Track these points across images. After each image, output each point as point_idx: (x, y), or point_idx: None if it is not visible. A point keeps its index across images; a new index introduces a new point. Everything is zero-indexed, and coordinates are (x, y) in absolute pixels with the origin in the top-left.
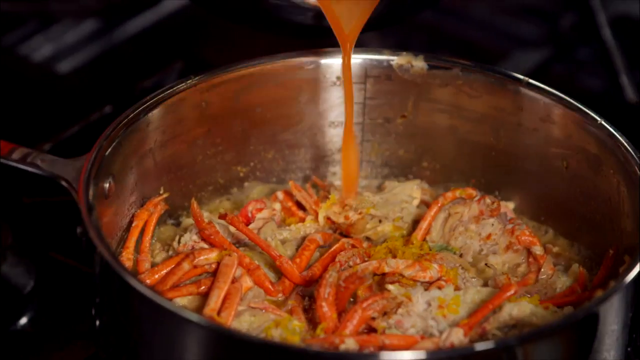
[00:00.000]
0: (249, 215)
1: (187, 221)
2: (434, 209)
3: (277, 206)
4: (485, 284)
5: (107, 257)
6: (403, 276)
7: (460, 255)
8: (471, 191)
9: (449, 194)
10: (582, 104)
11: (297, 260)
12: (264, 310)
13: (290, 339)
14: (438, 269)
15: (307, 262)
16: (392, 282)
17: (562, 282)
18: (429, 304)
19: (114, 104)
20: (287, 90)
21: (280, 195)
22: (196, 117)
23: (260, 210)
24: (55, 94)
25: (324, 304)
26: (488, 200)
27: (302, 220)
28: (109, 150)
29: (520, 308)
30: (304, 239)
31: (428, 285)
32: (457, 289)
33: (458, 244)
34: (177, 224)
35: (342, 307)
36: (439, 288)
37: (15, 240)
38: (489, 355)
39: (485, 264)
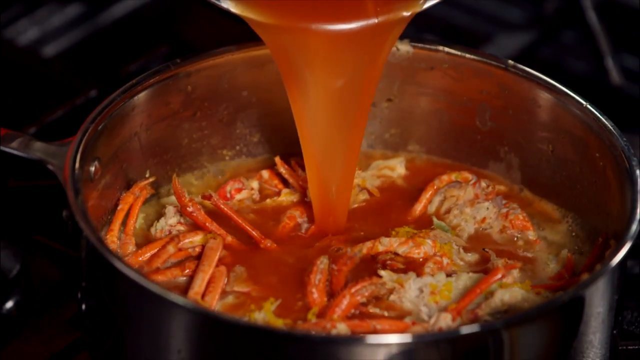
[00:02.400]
0: (228, 195)
1: (165, 200)
2: (430, 192)
3: (255, 184)
4: (480, 261)
5: (93, 240)
6: (397, 254)
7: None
8: (467, 174)
9: (445, 177)
10: (567, 87)
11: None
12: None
13: (272, 322)
14: (432, 244)
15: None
16: (384, 261)
17: (552, 268)
18: (421, 290)
19: (99, 88)
20: (272, 74)
21: (265, 174)
22: (182, 101)
23: (239, 190)
24: (40, 78)
25: (314, 290)
26: (483, 183)
27: (278, 193)
28: (95, 133)
29: (511, 294)
30: (280, 211)
31: (424, 260)
32: (451, 264)
33: (453, 226)
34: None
35: (336, 290)
36: (435, 264)
37: (0, 224)
38: (475, 338)
39: (483, 249)
